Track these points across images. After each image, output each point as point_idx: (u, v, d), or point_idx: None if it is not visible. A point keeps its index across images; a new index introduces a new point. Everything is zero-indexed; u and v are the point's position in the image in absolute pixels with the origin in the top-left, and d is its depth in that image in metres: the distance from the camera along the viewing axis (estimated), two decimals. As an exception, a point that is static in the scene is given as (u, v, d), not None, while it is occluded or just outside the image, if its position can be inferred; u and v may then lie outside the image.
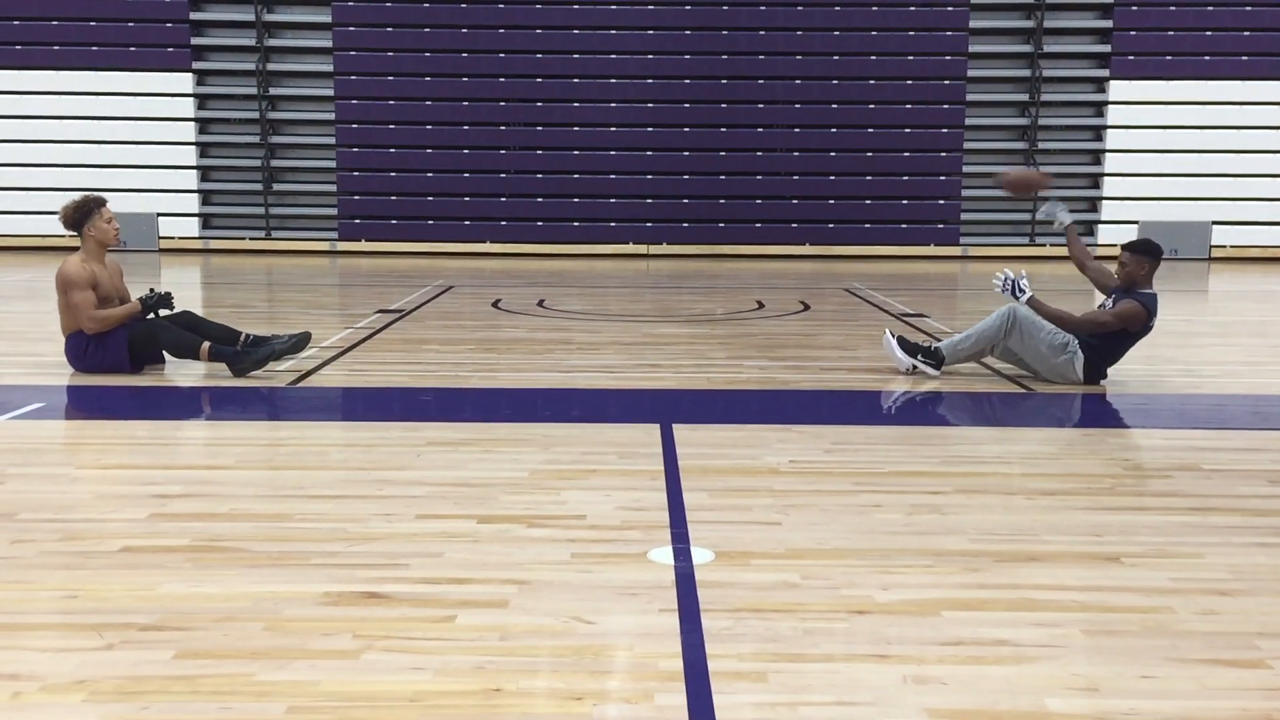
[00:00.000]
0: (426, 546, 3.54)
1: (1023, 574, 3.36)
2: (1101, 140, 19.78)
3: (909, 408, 6.27)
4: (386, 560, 3.40)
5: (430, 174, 19.35)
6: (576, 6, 19.37)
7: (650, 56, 19.46)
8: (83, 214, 6.59)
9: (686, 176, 19.44)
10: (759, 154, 19.46)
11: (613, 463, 4.65)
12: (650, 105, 19.48)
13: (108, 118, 19.15)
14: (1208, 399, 6.50)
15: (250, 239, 19.47)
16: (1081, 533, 3.77)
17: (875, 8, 19.39)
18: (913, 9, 19.43)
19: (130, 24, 19.15)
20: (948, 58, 19.48)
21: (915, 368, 6.81)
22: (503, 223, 19.35)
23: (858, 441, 5.15)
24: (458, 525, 3.76)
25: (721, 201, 19.43)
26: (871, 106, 19.45)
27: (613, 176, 19.42)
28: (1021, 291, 6.52)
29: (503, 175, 19.43)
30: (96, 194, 6.79)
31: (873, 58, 19.44)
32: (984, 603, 3.13)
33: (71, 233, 6.64)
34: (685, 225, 19.42)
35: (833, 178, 19.41)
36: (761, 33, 19.41)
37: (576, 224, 19.36)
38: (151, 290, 6.78)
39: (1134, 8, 19.51)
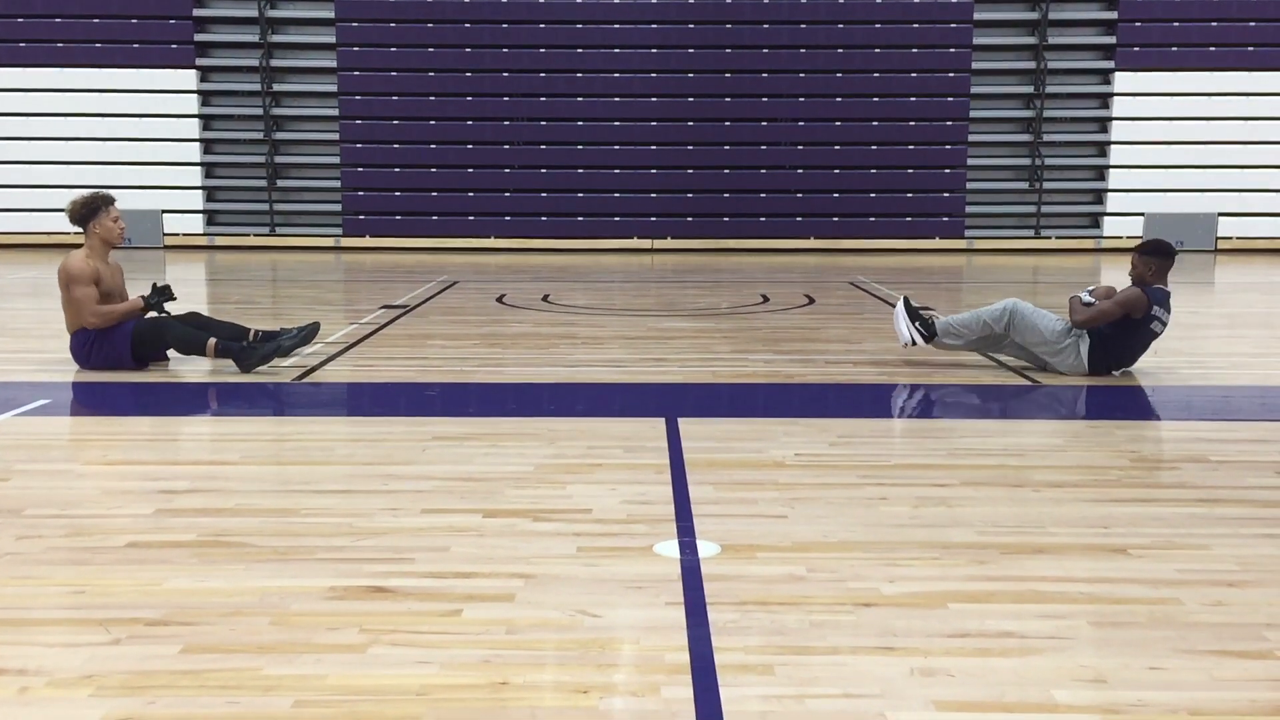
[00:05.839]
0: (432, 541, 3.54)
1: (1029, 566, 3.35)
2: (1107, 132, 19.73)
3: (914, 401, 6.26)
4: (393, 555, 3.40)
5: (434, 169, 19.36)
6: (580, 1, 19.35)
7: (654, 51, 19.43)
8: (89, 211, 6.58)
9: (690, 171, 19.42)
10: (763, 148, 19.42)
11: (618, 457, 4.65)
12: (654, 100, 19.46)
13: (112, 114, 19.18)
14: (1215, 390, 6.49)
15: (255, 235, 19.49)
16: (1088, 524, 3.76)
17: (879, 1, 19.33)
18: (916, 1, 19.37)
19: (134, 21, 19.17)
20: (952, 50, 19.43)
21: (913, 341, 6.80)
22: (507, 218, 19.35)
23: (863, 434, 5.14)
24: (463, 519, 3.76)
25: (726, 195, 19.41)
26: (875, 99, 19.41)
27: (617, 171, 19.41)
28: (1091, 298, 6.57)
29: (507, 170, 19.42)
30: (105, 192, 6.77)
31: (877, 50, 19.40)
32: (990, 595, 3.12)
33: (77, 229, 6.64)
34: (689, 219, 19.40)
35: (837, 171, 19.38)
36: (765, 26, 19.38)
37: (581, 219, 19.36)
38: (155, 284, 6.76)
39: (1139, -1, 19.46)
